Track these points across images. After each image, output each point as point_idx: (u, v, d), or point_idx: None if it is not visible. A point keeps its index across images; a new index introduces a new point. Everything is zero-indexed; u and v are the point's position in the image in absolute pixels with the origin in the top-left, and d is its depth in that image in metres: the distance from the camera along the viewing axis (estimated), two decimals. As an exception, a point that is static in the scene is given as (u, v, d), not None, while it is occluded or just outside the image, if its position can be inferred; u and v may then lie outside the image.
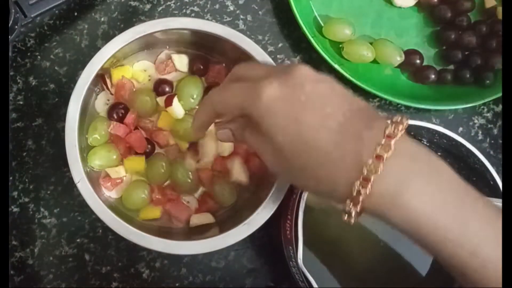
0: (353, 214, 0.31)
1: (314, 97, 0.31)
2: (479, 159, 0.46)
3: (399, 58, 0.54)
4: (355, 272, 0.50)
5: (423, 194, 0.30)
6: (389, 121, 0.31)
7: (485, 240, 0.29)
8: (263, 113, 0.31)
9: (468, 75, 0.55)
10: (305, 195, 0.43)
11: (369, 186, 0.29)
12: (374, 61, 0.55)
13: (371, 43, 0.55)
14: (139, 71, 0.50)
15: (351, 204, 0.30)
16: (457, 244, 0.30)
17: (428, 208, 0.29)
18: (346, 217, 0.31)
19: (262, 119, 0.32)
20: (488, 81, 0.54)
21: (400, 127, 0.30)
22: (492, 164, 0.45)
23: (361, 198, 0.30)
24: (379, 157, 0.29)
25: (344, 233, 0.50)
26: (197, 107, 0.50)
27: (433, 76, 0.55)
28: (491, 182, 0.46)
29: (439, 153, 0.51)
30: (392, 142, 0.29)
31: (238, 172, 0.47)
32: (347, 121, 0.31)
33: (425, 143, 0.51)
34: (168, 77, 0.50)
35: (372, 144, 0.30)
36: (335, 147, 0.30)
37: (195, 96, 0.49)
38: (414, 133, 0.49)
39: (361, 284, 0.49)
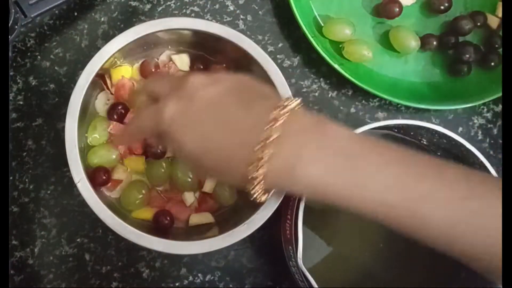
0: (258, 193, 0.34)
1: (203, 103, 0.34)
2: (478, 158, 0.46)
3: (414, 43, 0.54)
4: (355, 272, 0.50)
5: (315, 161, 0.32)
6: (277, 105, 0.34)
7: (394, 191, 0.31)
8: (168, 128, 0.35)
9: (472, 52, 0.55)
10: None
11: (264, 166, 0.32)
12: (392, 49, 0.56)
13: (388, 31, 0.55)
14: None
15: (254, 185, 0.33)
16: (359, 200, 0.32)
17: (320, 171, 0.32)
18: (253, 197, 0.35)
19: (169, 134, 0.35)
20: (493, 63, 0.55)
21: (286, 108, 0.33)
22: (492, 164, 0.45)
23: (260, 178, 0.33)
24: (266, 140, 0.32)
25: (344, 233, 0.50)
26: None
27: (435, 42, 0.56)
28: None
29: (438, 153, 0.51)
30: (278, 123, 0.32)
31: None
32: (235, 116, 0.34)
33: (424, 143, 0.51)
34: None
35: (259, 131, 0.32)
36: (228, 143, 0.34)
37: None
38: (414, 132, 0.50)
39: (361, 284, 0.49)
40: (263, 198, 0.35)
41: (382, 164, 0.32)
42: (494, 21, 0.56)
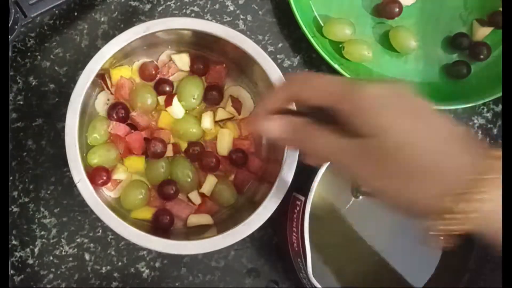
0: (453, 231, 0.29)
1: (420, 107, 0.30)
2: None
3: (414, 43, 0.54)
4: (364, 278, 0.50)
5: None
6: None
7: None
8: (368, 106, 0.29)
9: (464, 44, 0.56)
10: (308, 207, 0.43)
11: (475, 201, 0.27)
12: (392, 49, 0.56)
13: (388, 31, 0.55)
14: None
15: (451, 220, 0.28)
16: None
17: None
18: (441, 238, 0.29)
19: (367, 114, 0.29)
20: (482, 56, 0.55)
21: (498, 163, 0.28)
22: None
23: (463, 214, 0.28)
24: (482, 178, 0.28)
25: (352, 239, 0.50)
26: (197, 107, 0.50)
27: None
28: None
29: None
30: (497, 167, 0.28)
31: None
32: (454, 139, 0.30)
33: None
34: (170, 77, 0.50)
35: (480, 165, 0.28)
36: (444, 158, 0.29)
37: (196, 96, 0.49)
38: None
39: (372, 285, 0.49)
40: (451, 243, 0.29)
41: None
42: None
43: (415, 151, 0.28)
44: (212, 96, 0.50)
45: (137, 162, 0.48)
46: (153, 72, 0.49)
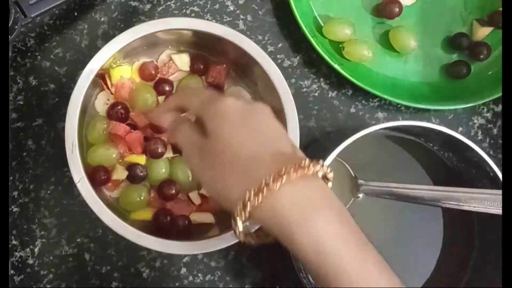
0: (238, 221, 0.33)
1: (259, 123, 0.35)
2: (477, 152, 0.46)
3: (414, 43, 0.54)
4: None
5: (328, 223, 0.31)
6: (303, 162, 0.33)
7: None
8: (216, 115, 0.35)
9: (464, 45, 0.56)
10: None
11: (260, 197, 0.31)
12: (392, 49, 0.56)
13: (388, 31, 0.55)
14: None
15: (239, 211, 0.32)
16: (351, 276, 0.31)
17: (333, 235, 0.31)
18: (233, 224, 0.34)
19: (212, 120, 0.35)
20: (482, 56, 0.55)
21: (306, 170, 0.32)
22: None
23: (249, 206, 0.32)
24: (278, 178, 0.31)
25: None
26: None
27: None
28: (491, 174, 0.46)
29: (435, 148, 0.51)
30: (297, 174, 0.31)
31: None
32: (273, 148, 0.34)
33: (422, 140, 0.51)
34: (170, 76, 0.50)
35: (280, 169, 0.32)
36: (250, 161, 0.33)
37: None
38: (410, 130, 0.50)
39: None
40: (237, 231, 0.34)
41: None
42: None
43: (231, 153, 0.34)
44: (212, 96, 0.50)
45: (137, 161, 0.48)
46: (153, 72, 0.49)
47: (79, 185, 0.43)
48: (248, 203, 0.32)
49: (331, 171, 0.34)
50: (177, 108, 0.40)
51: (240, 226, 0.33)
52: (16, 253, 0.50)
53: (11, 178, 0.51)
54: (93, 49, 0.53)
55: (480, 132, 0.57)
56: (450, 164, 0.52)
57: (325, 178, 0.34)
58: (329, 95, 0.56)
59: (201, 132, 0.36)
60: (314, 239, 0.31)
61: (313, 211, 0.31)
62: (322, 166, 0.33)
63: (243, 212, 0.32)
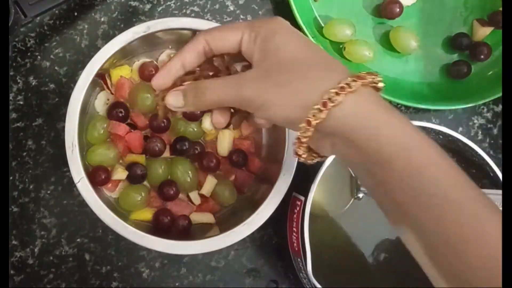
0: (306, 135, 0.31)
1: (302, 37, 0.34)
2: (477, 152, 0.46)
3: (414, 43, 0.54)
4: (363, 278, 0.50)
5: (392, 125, 0.31)
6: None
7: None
8: (272, 30, 0.33)
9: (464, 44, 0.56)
10: (308, 207, 0.44)
11: (341, 97, 0.30)
12: (392, 49, 0.56)
13: (388, 31, 0.56)
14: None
15: (316, 113, 0.31)
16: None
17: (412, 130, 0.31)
18: (297, 145, 0.33)
19: (273, 35, 0.33)
20: (482, 56, 0.55)
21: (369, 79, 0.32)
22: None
23: (329, 105, 0.30)
24: (343, 88, 0.30)
25: (351, 239, 0.50)
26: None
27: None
28: (491, 174, 0.46)
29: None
30: (359, 83, 0.31)
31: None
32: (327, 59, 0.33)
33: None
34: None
35: (352, 74, 0.31)
36: (322, 66, 0.32)
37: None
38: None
39: (370, 285, 0.49)
40: (301, 151, 0.33)
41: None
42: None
43: (292, 64, 0.32)
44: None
45: (137, 161, 0.48)
46: (153, 72, 0.49)
47: (79, 185, 0.43)
48: (332, 100, 0.30)
49: (380, 81, 0.33)
50: (204, 54, 0.36)
51: (308, 133, 0.31)
52: (16, 253, 0.50)
53: (11, 178, 0.51)
54: (93, 49, 0.53)
55: (480, 132, 0.57)
56: (450, 164, 0.52)
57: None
58: (329, 95, 0.55)
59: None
60: (401, 131, 0.30)
61: (390, 109, 0.31)
62: (377, 76, 0.32)
63: (322, 111, 0.30)
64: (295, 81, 0.32)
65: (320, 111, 0.30)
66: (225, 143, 0.49)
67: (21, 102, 0.52)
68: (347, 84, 0.30)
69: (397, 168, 0.30)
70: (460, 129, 0.56)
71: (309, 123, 0.31)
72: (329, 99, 0.30)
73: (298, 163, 0.44)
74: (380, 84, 0.32)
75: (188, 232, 0.47)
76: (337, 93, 0.30)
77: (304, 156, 0.34)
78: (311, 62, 0.33)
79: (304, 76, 0.32)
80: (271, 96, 0.32)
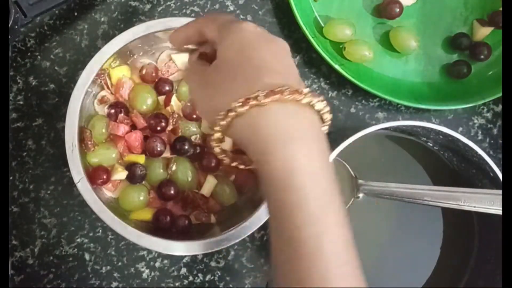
0: (217, 126, 0.32)
1: (274, 51, 0.33)
2: (476, 152, 0.46)
3: (414, 43, 0.54)
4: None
5: (307, 155, 0.30)
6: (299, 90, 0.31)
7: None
8: (229, 35, 0.33)
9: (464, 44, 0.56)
10: None
11: (246, 106, 0.30)
12: (392, 49, 0.56)
13: (388, 31, 0.56)
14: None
15: (223, 116, 0.31)
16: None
17: (307, 170, 0.30)
18: (212, 138, 0.33)
19: (223, 41, 0.33)
20: (482, 56, 0.55)
21: (303, 97, 0.31)
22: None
23: (233, 114, 0.31)
24: (270, 94, 0.30)
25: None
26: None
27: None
28: (491, 174, 0.46)
29: (435, 148, 0.51)
30: (292, 97, 0.30)
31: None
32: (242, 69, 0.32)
33: (422, 140, 0.51)
34: (170, 76, 0.50)
35: (277, 86, 0.31)
36: (252, 71, 0.32)
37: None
38: (410, 130, 0.50)
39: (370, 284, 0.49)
40: (216, 146, 0.34)
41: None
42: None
43: (237, 61, 0.32)
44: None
45: (136, 161, 0.48)
46: (153, 74, 0.49)
47: (79, 185, 0.43)
48: (234, 110, 0.30)
49: (329, 113, 0.33)
50: (196, 34, 0.37)
51: (218, 134, 0.32)
52: (16, 253, 0.50)
53: (11, 178, 0.51)
54: (93, 49, 0.53)
55: (480, 132, 0.56)
56: (450, 164, 0.52)
57: (320, 116, 0.33)
58: (329, 95, 0.56)
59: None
60: (289, 165, 0.29)
61: (296, 138, 0.30)
62: (322, 101, 0.32)
63: (225, 119, 0.31)
64: (219, 85, 0.33)
65: (223, 118, 0.31)
66: (225, 143, 0.49)
67: (21, 102, 0.52)
68: (254, 97, 0.30)
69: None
70: (460, 129, 0.56)
71: (213, 126, 0.32)
72: (232, 109, 0.30)
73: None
74: (326, 116, 0.32)
75: (188, 232, 0.47)
76: (242, 104, 0.30)
77: (220, 155, 0.35)
78: (243, 67, 0.32)
79: (230, 81, 0.32)
80: (198, 95, 0.34)
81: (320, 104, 0.32)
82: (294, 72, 0.34)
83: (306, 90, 0.31)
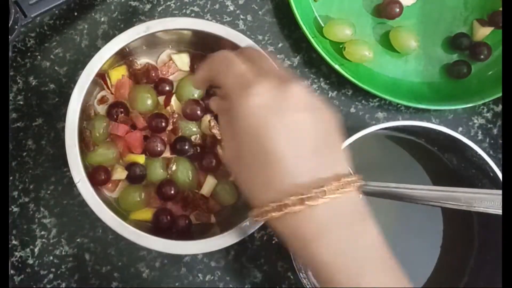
0: (259, 218, 0.32)
1: (293, 125, 0.31)
2: (476, 152, 0.46)
3: (414, 43, 0.54)
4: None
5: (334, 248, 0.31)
6: (344, 178, 0.31)
7: None
8: (248, 105, 0.32)
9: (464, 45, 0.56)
10: None
11: (288, 209, 0.30)
12: (392, 49, 0.56)
13: (388, 31, 0.55)
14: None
15: (261, 213, 0.32)
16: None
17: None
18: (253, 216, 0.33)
19: (240, 110, 0.32)
20: (482, 56, 0.55)
21: (349, 187, 0.31)
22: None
23: (271, 216, 0.31)
24: (315, 197, 0.30)
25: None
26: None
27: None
28: (491, 174, 0.46)
29: (435, 148, 0.51)
30: (336, 194, 0.30)
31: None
32: (314, 150, 0.32)
33: (422, 140, 0.51)
34: (170, 76, 0.50)
35: (319, 184, 0.30)
36: (292, 161, 0.31)
37: (195, 96, 0.49)
38: (410, 130, 0.50)
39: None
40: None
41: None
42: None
43: (266, 152, 0.31)
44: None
45: (136, 160, 0.48)
46: (153, 74, 0.49)
47: (79, 185, 0.43)
48: (285, 207, 0.30)
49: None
50: (209, 79, 0.37)
51: (260, 222, 0.33)
52: (16, 253, 0.50)
53: (11, 178, 0.51)
54: (93, 49, 0.53)
55: (480, 132, 0.57)
56: (450, 164, 0.52)
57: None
58: (329, 95, 0.56)
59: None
60: (337, 247, 0.30)
61: (342, 226, 0.31)
62: (359, 179, 0.32)
63: (278, 211, 0.31)
64: (267, 170, 0.31)
65: (274, 210, 0.31)
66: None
67: (21, 102, 0.52)
68: (308, 197, 0.30)
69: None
70: (460, 129, 0.56)
71: (261, 215, 0.32)
72: (283, 205, 0.30)
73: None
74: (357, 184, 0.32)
75: (188, 232, 0.47)
76: (294, 203, 0.30)
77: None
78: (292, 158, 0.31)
79: (278, 170, 0.31)
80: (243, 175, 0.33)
81: (357, 179, 0.32)
82: (333, 140, 0.34)
83: (348, 178, 0.31)
